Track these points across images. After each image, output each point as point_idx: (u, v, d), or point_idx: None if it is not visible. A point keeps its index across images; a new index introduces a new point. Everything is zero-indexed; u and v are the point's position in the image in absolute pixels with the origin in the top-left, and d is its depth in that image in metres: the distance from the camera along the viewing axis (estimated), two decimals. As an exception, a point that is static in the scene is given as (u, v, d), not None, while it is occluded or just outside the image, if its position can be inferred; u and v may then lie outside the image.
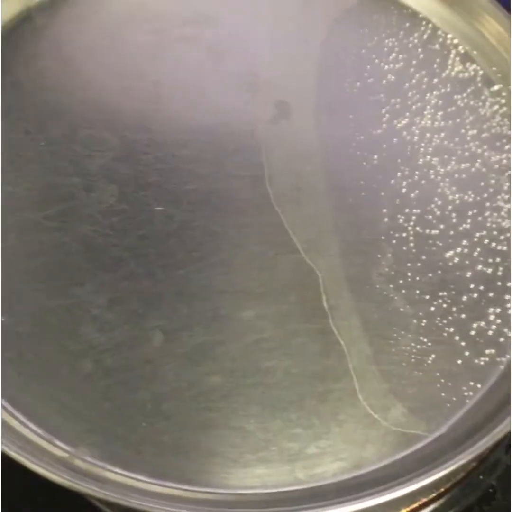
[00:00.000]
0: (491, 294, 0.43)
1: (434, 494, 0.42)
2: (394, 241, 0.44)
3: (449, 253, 0.44)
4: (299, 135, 0.47)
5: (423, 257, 0.44)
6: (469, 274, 0.44)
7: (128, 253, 0.43)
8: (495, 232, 0.45)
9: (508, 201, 0.46)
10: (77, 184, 0.44)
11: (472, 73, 0.50)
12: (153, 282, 0.42)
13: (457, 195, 0.46)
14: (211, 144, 0.46)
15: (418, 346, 0.42)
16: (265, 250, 0.43)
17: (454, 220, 0.45)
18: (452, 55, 0.50)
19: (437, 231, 0.45)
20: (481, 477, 0.42)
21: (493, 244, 0.45)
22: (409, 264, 0.44)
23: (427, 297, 0.43)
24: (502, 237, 0.45)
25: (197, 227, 0.44)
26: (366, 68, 0.49)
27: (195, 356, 0.41)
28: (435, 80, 0.49)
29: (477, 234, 0.45)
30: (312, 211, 0.45)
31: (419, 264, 0.44)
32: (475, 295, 0.43)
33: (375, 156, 0.47)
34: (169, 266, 0.43)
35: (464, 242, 0.45)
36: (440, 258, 0.44)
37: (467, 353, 0.42)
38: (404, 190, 0.46)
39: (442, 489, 0.43)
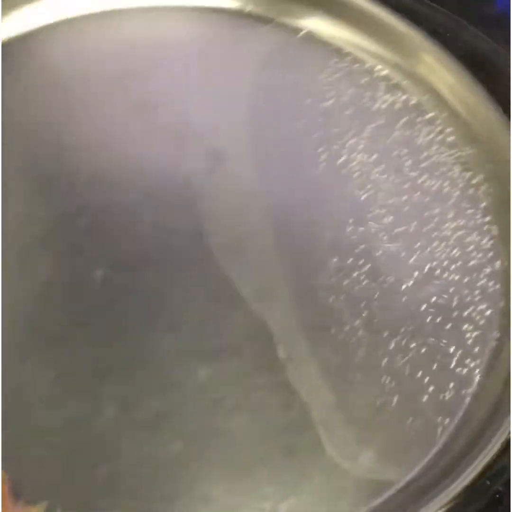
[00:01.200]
0: (448, 326, 0.42)
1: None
2: (345, 282, 0.43)
3: (402, 288, 0.43)
4: (237, 183, 0.46)
5: (377, 295, 0.43)
6: (424, 306, 0.43)
7: (71, 325, 0.41)
8: (445, 262, 0.44)
9: (455, 230, 0.45)
10: (9, 259, 0.42)
11: (404, 103, 0.50)
12: (101, 352, 0.40)
13: (402, 228, 0.45)
14: (146, 201, 0.45)
15: (382, 388, 0.41)
16: (214, 306, 0.42)
17: (402, 254, 0.44)
18: (382, 87, 0.50)
19: (387, 267, 0.44)
20: (487, 482, 0.41)
21: (445, 274, 0.44)
22: (363, 304, 0.43)
23: (385, 335, 0.42)
24: (452, 266, 0.44)
25: (140, 289, 0.42)
26: (298, 109, 0.49)
27: (152, 425, 0.39)
28: (368, 113, 0.49)
29: (427, 266, 0.44)
30: (258, 261, 0.43)
31: (373, 303, 0.43)
32: (433, 328, 0.42)
33: (318, 196, 0.46)
34: (116, 333, 0.41)
35: (416, 274, 0.44)
36: (393, 294, 0.43)
37: (431, 389, 0.41)
38: (349, 228, 0.45)
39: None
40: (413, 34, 0.50)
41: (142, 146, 0.46)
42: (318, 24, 0.52)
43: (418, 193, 0.47)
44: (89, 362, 0.40)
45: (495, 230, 0.46)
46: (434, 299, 0.43)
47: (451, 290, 0.43)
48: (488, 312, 0.43)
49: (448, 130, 0.49)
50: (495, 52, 0.55)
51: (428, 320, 0.43)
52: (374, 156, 0.48)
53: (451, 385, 0.41)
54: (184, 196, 0.45)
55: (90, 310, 0.42)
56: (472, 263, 0.45)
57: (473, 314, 0.43)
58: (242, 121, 0.48)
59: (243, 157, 0.47)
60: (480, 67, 0.52)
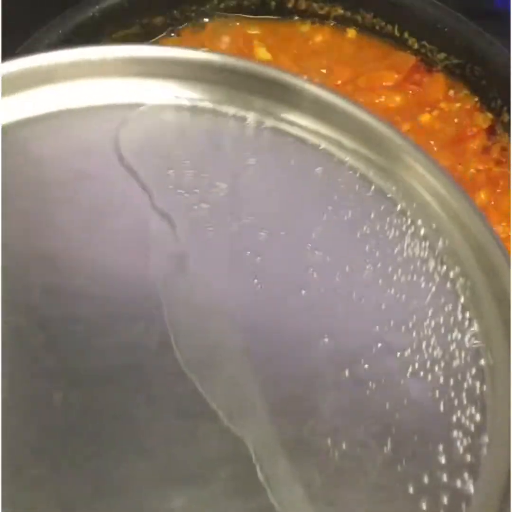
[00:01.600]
0: (437, 433, 0.40)
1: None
2: (325, 391, 0.40)
3: (385, 394, 0.41)
4: (201, 290, 0.43)
5: (359, 404, 0.40)
6: (409, 414, 0.40)
7: (29, 454, 0.37)
8: (428, 363, 0.42)
9: (435, 329, 0.43)
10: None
11: (372, 195, 0.48)
12: (61, 484, 0.36)
13: (380, 328, 0.43)
14: (107, 314, 0.41)
15: (371, 507, 0.37)
16: (184, 424, 0.39)
17: (384, 358, 0.42)
18: (348, 178, 0.48)
19: (367, 372, 0.41)
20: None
21: (429, 377, 0.41)
22: (345, 415, 0.40)
23: (371, 447, 0.39)
24: (436, 368, 0.42)
25: (103, 410, 0.39)
26: (264, 203, 0.47)
27: None
28: (334, 205, 0.47)
29: (409, 369, 0.41)
30: (229, 373, 0.40)
31: (356, 413, 0.40)
32: (421, 437, 0.39)
33: (287, 301, 0.43)
34: (77, 462, 0.37)
35: (398, 377, 0.41)
36: (377, 402, 0.40)
37: (424, 505, 0.38)
38: (325, 332, 0.42)
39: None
40: (378, 125, 0.48)
41: (101, 254, 0.43)
42: (282, 116, 0.50)
43: (393, 290, 0.44)
44: (50, 497, 0.36)
45: (475, 326, 0.43)
46: (419, 404, 0.40)
47: (437, 394, 0.41)
48: (477, 416, 0.40)
49: (419, 222, 0.47)
50: (494, 48, 0.54)
51: (415, 428, 0.40)
52: (344, 252, 0.45)
53: (445, 499, 0.38)
54: (147, 306, 0.42)
55: (48, 435, 0.38)
56: (456, 363, 0.42)
57: (462, 419, 0.40)
58: (205, 219, 0.46)
59: (206, 259, 0.44)
60: (479, 64, 0.51)
